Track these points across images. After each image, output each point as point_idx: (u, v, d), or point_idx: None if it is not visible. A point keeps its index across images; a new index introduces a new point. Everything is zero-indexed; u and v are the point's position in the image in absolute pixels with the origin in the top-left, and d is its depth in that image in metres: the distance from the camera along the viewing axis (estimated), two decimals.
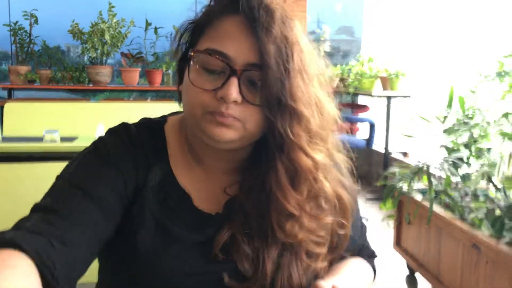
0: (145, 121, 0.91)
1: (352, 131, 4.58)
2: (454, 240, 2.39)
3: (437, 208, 2.53)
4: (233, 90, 0.74)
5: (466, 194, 2.49)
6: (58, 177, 0.80)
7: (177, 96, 0.90)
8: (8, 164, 1.55)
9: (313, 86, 0.80)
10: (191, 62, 0.78)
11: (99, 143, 0.83)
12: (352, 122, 4.62)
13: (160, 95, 5.29)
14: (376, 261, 1.05)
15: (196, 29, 0.82)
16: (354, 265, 0.96)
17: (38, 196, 1.47)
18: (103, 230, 0.76)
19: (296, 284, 0.82)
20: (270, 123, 0.77)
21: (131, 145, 0.83)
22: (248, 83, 0.76)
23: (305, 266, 0.83)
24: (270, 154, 0.79)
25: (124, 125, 0.87)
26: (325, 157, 0.83)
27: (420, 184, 2.86)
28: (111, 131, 0.86)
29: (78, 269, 0.71)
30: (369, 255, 1.03)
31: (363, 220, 1.04)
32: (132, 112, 3.47)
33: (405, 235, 2.92)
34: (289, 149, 0.78)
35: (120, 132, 0.85)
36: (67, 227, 0.70)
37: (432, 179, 2.51)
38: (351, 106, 5.26)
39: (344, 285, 0.82)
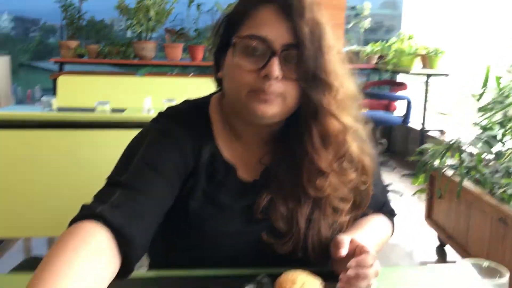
0: (190, 104, 1.01)
1: (389, 108, 4.61)
2: (482, 214, 2.46)
3: (467, 184, 2.60)
4: (276, 68, 0.85)
5: (497, 171, 2.55)
6: (128, 154, 0.91)
7: (217, 84, 1.02)
8: (65, 131, 1.68)
9: (338, 62, 0.92)
10: (235, 48, 0.89)
11: (164, 128, 0.94)
12: (390, 99, 4.65)
13: (202, 70, 5.43)
14: (395, 219, 1.14)
15: (233, 21, 0.92)
16: (374, 221, 1.05)
17: (93, 161, 1.63)
18: (168, 203, 0.88)
19: (324, 237, 0.95)
20: (305, 95, 0.90)
21: (188, 128, 0.94)
22: (286, 61, 0.87)
23: (331, 221, 0.96)
24: (304, 122, 0.92)
25: (175, 111, 0.99)
26: (352, 121, 0.95)
27: (452, 160, 2.92)
28: (165, 116, 0.97)
29: (150, 239, 0.82)
30: (390, 213, 1.13)
31: (386, 185, 1.15)
32: (176, 86, 3.60)
33: (436, 208, 3.01)
34: (322, 116, 0.90)
35: (174, 117, 0.96)
36: (144, 203, 0.81)
37: (465, 156, 2.57)
38: (389, 84, 5.28)
39: (363, 239, 0.90)
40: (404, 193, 3.98)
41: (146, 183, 0.84)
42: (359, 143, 0.98)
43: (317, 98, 0.89)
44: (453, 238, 2.79)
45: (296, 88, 0.89)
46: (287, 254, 0.94)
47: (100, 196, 0.81)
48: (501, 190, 2.36)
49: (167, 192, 0.88)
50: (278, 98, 0.88)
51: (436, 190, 2.92)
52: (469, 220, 2.62)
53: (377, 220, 1.08)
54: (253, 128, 0.97)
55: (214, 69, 1.00)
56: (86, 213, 0.75)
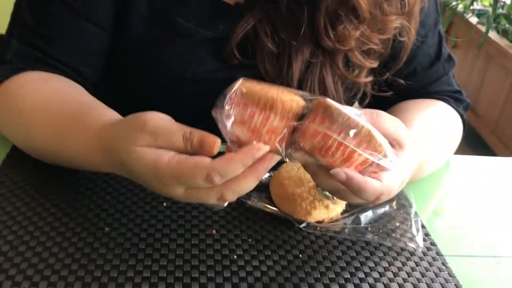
0: None
1: None
2: (503, 71, 2.16)
3: (492, 34, 2.26)
4: None
5: None
6: None
7: None
8: None
9: None
10: None
11: None
12: None
13: None
14: (465, 108, 0.72)
15: None
16: (434, 110, 0.67)
17: None
18: (103, 41, 0.62)
19: (329, 89, 0.63)
20: None
21: None
22: None
23: (341, 75, 0.63)
24: None
25: None
26: None
27: (478, 5, 2.54)
28: None
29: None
30: (455, 97, 0.71)
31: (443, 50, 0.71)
32: None
33: None
34: None
35: None
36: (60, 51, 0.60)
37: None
38: None
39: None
40: None
41: (59, 25, 0.60)
42: None
43: None
44: None
45: None
46: None
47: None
48: None
49: (94, 29, 0.61)
50: None
51: (451, 38, 2.57)
52: (484, 76, 2.33)
53: (443, 116, 0.68)
54: None
55: None
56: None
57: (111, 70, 0.66)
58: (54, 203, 0.51)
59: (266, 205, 0.52)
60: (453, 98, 0.70)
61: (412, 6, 0.62)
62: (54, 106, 0.54)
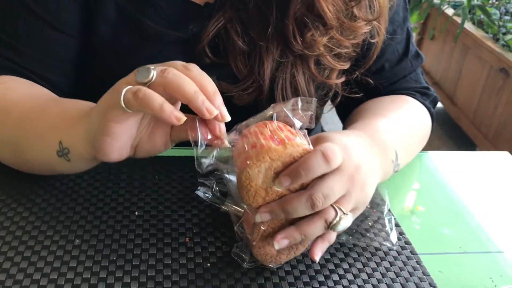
0: None
1: None
2: (480, 62, 2.19)
3: (468, 25, 2.28)
4: None
5: (507, 12, 2.21)
6: None
7: None
8: None
9: None
10: None
11: None
12: None
13: None
14: (433, 102, 0.71)
15: None
16: (406, 113, 0.66)
17: None
18: (72, 49, 0.61)
19: (301, 88, 0.62)
20: None
21: None
22: None
23: (312, 75, 0.63)
24: None
25: None
26: None
27: None
28: None
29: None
30: (421, 92, 0.71)
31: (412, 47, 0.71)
32: None
33: (425, 51, 2.71)
34: None
35: None
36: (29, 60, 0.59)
37: None
38: None
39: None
40: None
41: (28, 35, 0.59)
42: None
43: None
44: (439, 85, 2.55)
45: None
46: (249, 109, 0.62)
47: None
48: (509, 36, 2.05)
49: (64, 38, 0.61)
50: None
51: (428, 30, 2.59)
52: (462, 67, 2.35)
53: (407, 108, 0.68)
54: None
55: None
56: None
57: (83, 76, 0.65)
58: (23, 216, 0.49)
59: (240, 209, 0.51)
60: (419, 92, 0.70)
61: (381, 9, 0.62)
62: (47, 95, 0.56)
